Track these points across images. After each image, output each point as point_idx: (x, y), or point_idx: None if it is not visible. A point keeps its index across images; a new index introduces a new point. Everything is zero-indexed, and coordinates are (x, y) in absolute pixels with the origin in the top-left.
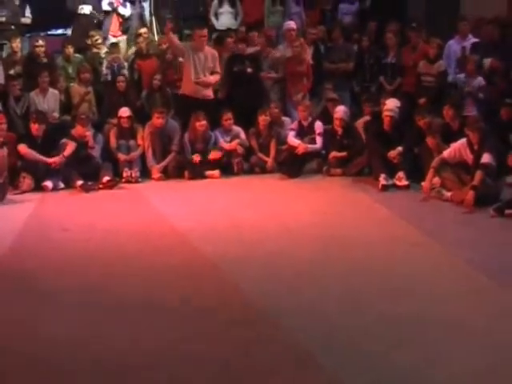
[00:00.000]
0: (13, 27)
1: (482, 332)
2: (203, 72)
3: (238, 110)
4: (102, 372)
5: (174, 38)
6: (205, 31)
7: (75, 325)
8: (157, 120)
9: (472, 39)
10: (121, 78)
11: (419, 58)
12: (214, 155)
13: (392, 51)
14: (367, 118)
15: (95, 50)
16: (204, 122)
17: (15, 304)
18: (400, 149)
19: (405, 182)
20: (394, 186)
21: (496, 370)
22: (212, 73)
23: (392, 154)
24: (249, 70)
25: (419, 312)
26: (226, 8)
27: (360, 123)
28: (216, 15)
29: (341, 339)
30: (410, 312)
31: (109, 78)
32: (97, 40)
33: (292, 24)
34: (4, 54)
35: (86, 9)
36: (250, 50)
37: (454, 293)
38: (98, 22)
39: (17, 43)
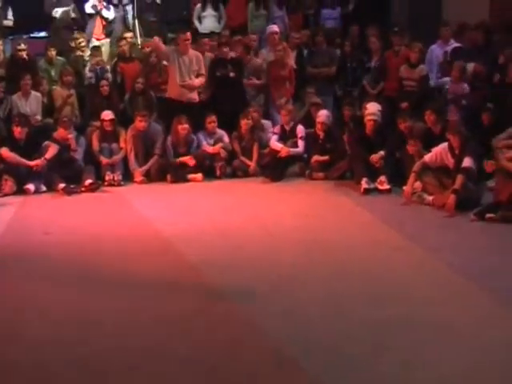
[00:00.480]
0: None
1: (465, 334)
2: (188, 75)
3: (221, 114)
4: (87, 373)
5: (160, 42)
6: (188, 35)
7: (59, 327)
8: (139, 123)
9: (454, 44)
10: (104, 82)
11: (401, 63)
12: (188, 161)
13: (375, 55)
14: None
15: (79, 53)
16: (186, 126)
17: None
18: (382, 153)
19: (386, 186)
20: (376, 189)
21: (484, 371)
22: (197, 75)
23: (374, 157)
24: (231, 74)
25: (402, 315)
26: (209, 11)
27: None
28: (199, 18)
29: (323, 343)
30: (393, 315)
31: (93, 81)
32: (80, 43)
33: (275, 27)
34: None
35: (59, 12)
36: (232, 54)
37: (436, 296)
38: (75, 24)
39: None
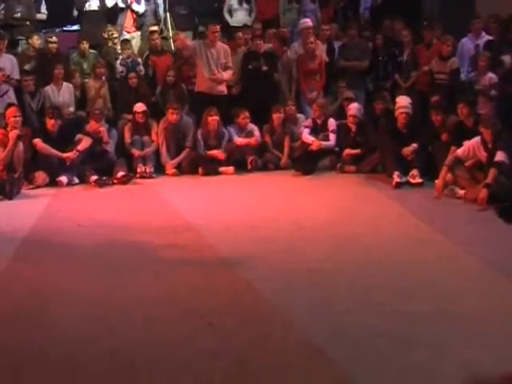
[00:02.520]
0: (28, 23)
1: (497, 328)
2: (216, 68)
3: (252, 107)
4: (116, 366)
5: (186, 39)
6: (217, 27)
7: (87, 318)
8: (171, 116)
9: (486, 37)
10: (132, 74)
11: (433, 56)
12: (218, 155)
13: (407, 48)
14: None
15: (111, 45)
16: (216, 117)
17: (26, 300)
18: (414, 146)
19: (418, 180)
20: (408, 183)
21: None
22: (225, 68)
23: (406, 151)
24: (264, 67)
25: (432, 309)
26: (241, 4)
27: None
28: (230, 12)
29: (352, 335)
30: (423, 309)
31: (124, 74)
32: (113, 34)
33: (308, 22)
34: (19, 50)
35: (93, 5)
36: (266, 46)
37: (467, 290)
38: (109, 15)
39: (35, 39)
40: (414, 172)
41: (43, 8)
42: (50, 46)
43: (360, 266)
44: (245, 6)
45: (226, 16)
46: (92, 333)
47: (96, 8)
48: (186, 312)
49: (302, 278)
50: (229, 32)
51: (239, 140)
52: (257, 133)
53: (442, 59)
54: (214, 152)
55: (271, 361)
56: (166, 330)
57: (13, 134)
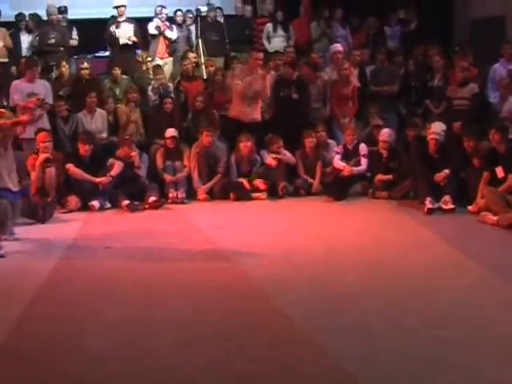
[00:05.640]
0: (61, 49)
1: None
2: (253, 95)
3: (283, 134)
4: None
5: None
6: (260, 54)
7: (119, 339)
8: (205, 138)
9: None
10: (168, 99)
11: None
12: (259, 185)
13: (438, 74)
14: None
15: (144, 68)
16: (249, 143)
17: (60, 319)
18: (447, 172)
19: (451, 206)
20: (440, 209)
21: None
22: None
23: (439, 176)
24: (294, 95)
25: (463, 335)
26: (279, 32)
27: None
28: (268, 38)
29: (383, 360)
30: (454, 335)
31: (157, 102)
32: (147, 57)
33: (339, 47)
34: (53, 76)
35: (122, 38)
36: (298, 73)
37: (498, 317)
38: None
39: (64, 65)
40: (447, 198)
41: (75, 34)
42: (83, 72)
43: (391, 292)
44: (280, 32)
45: (265, 42)
46: (122, 355)
47: (126, 41)
48: (216, 334)
49: (333, 302)
50: (267, 58)
51: (269, 159)
52: (289, 156)
53: (459, 85)
54: (257, 182)
55: None
56: (196, 351)
57: (41, 157)
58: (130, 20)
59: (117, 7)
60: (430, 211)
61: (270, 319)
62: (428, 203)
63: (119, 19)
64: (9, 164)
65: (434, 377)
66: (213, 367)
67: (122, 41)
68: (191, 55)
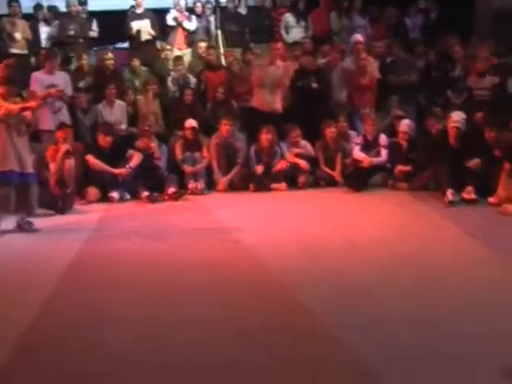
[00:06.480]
0: (81, 40)
1: None
2: (274, 85)
3: (302, 124)
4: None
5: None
6: (278, 45)
7: (136, 336)
8: (224, 127)
9: None
10: (188, 91)
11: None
12: (280, 165)
13: (459, 64)
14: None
15: (164, 56)
16: (270, 136)
17: (80, 320)
18: (478, 160)
19: (473, 196)
20: (462, 199)
21: None
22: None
23: (472, 163)
24: (314, 85)
25: (490, 331)
26: (298, 22)
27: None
28: (286, 29)
29: (407, 357)
30: (480, 331)
31: (176, 94)
32: (166, 46)
33: (359, 37)
34: (72, 67)
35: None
36: (322, 60)
37: None
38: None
39: (84, 57)
40: (469, 188)
41: (94, 26)
42: (107, 62)
43: (412, 286)
44: (302, 23)
45: (283, 33)
46: (143, 353)
47: (147, 37)
48: (238, 332)
49: (355, 297)
50: (286, 49)
51: (281, 163)
52: (309, 149)
53: (479, 75)
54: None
55: (324, 382)
56: (217, 349)
57: (62, 149)
58: (147, 14)
59: None
60: (451, 203)
61: (291, 315)
62: (449, 195)
63: (137, 11)
64: (19, 148)
65: (458, 373)
66: (236, 366)
67: (144, 37)
68: (202, 44)
